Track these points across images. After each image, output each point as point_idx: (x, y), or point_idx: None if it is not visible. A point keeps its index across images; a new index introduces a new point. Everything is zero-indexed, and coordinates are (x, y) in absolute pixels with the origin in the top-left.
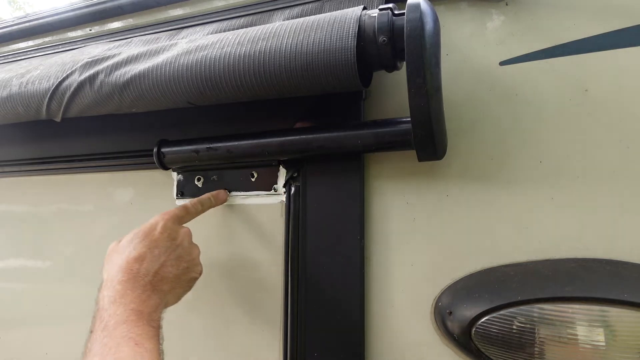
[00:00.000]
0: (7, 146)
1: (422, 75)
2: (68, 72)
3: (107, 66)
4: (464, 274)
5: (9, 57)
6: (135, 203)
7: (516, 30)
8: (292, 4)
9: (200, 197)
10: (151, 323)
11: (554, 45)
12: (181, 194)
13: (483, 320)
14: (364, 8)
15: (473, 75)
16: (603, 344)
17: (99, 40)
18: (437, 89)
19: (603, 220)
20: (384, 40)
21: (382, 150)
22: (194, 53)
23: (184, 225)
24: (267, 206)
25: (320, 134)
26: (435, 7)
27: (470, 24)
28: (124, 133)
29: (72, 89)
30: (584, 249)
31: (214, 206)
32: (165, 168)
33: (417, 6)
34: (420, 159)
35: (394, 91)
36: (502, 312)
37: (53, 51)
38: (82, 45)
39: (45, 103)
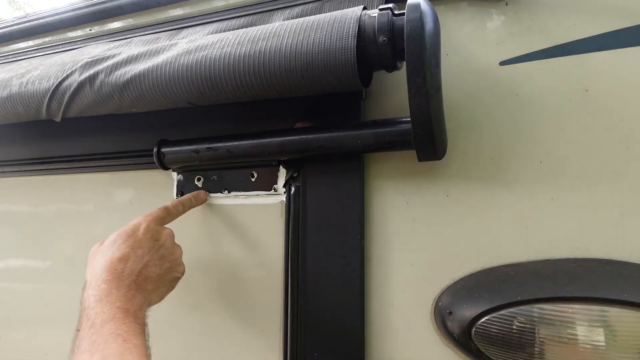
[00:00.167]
0: (7, 146)
1: (422, 75)
2: (68, 72)
3: (107, 66)
4: (464, 274)
5: (9, 57)
6: (135, 203)
7: (516, 30)
8: (292, 4)
9: (181, 197)
10: (137, 320)
11: (554, 45)
12: (181, 194)
13: (483, 320)
14: (364, 8)
15: (473, 75)
16: (603, 344)
17: (99, 40)
18: (437, 89)
19: (603, 220)
20: (384, 40)
21: (382, 150)
22: (194, 53)
23: (166, 226)
24: (267, 206)
25: (320, 134)
26: (435, 7)
27: (470, 24)
28: (124, 133)
29: (72, 89)
30: (584, 249)
31: (194, 206)
32: (165, 168)
33: (417, 6)
34: (420, 159)
35: (394, 91)
36: (502, 312)
37: (53, 51)
38: (82, 45)
39: (45, 103)
